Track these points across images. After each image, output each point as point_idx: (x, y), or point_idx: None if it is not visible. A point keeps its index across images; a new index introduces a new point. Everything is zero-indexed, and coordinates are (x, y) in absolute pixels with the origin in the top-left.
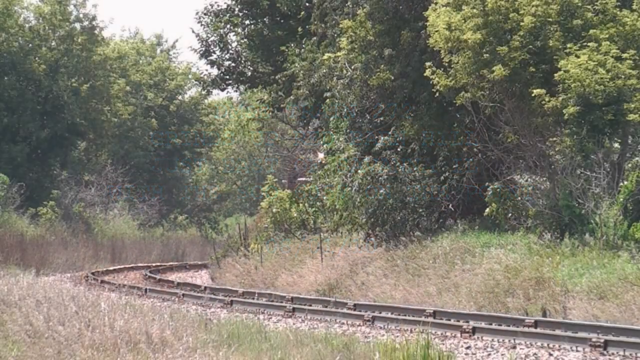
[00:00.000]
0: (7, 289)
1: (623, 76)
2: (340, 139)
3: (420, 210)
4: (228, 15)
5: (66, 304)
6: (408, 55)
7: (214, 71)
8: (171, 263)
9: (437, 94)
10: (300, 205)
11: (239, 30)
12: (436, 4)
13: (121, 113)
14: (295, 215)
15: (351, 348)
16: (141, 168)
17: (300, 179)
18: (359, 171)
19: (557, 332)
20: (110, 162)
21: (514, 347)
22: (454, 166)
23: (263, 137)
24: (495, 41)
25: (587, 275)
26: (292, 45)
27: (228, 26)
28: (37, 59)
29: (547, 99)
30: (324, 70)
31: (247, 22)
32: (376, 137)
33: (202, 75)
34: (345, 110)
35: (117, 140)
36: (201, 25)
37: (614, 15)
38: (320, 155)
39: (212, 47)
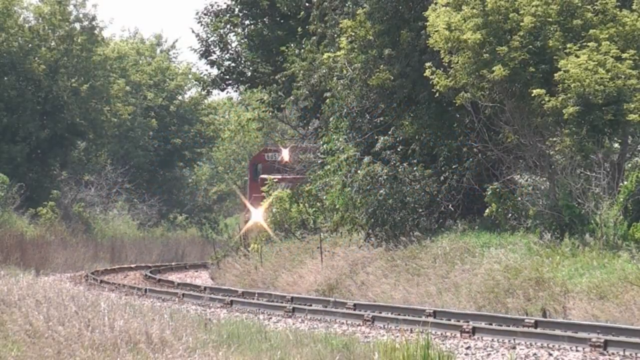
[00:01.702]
0: (7, 289)
1: (623, 76)
2: (340, 139)
3: (420, 210)
4: (228, 15)
5: (66, 304)
6: (408, 55)
7: (214, 71)
8: (171, 263)
9: (437, 94)
10: (300, 205)
11: (239, 30)
12: (436, 4)
13: (121, 113)
14: (295, 215)
15: (351, 348)
16: (141, 168)
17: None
18: (359, 171)
19: (557, 332)
20: (110, 162)
21: (514, 347)
22: (454, 166)
23: (263, 137)
24: (495, 41)
25: (587, 275)
26: (292, 45)
27: (228, 26)
28: (36, 59)
29: (547, 99)
30: (324, 70)
31: (247, 22)
32: (376, 137)
33: (202, 76)
34: (345, 110)
35: (117, 140)
36: (201, 25)
37: (614, 15)
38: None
39: (212, 47)
